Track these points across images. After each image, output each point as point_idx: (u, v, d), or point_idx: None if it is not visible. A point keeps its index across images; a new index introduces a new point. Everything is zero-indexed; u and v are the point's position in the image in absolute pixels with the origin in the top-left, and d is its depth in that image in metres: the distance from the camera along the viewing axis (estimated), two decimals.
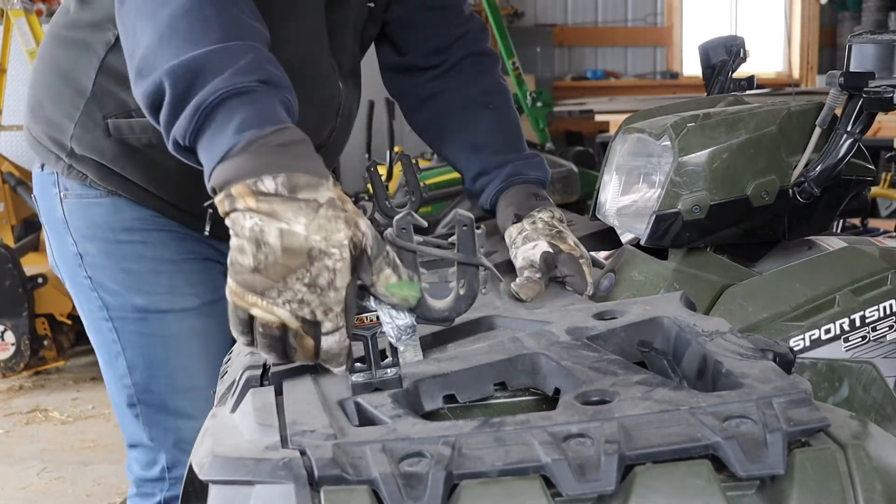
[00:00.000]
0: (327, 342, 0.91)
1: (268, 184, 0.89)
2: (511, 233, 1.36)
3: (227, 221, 0.92)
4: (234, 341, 1.48)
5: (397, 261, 0.93)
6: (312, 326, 0.90)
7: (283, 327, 0.90)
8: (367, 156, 6.93)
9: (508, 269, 1.32)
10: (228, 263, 0.91)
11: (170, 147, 1.03)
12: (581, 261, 1.26)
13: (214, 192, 0.94)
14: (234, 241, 0.91)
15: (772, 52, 10.10)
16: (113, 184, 1.49)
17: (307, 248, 0.88)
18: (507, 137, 1.52)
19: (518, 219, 1.36)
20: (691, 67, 9.78)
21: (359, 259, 0.91)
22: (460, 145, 1.54)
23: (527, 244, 1.31)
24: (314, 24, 1.43)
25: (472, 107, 1.55)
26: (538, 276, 1.24)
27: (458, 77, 1.59)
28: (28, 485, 3.37)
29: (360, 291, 0.90)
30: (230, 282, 0.91)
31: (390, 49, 1.66)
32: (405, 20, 1.61)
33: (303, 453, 0.72)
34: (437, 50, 1.60)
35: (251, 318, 0.91)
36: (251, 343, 0.92)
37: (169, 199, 1.52)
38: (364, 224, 0.92)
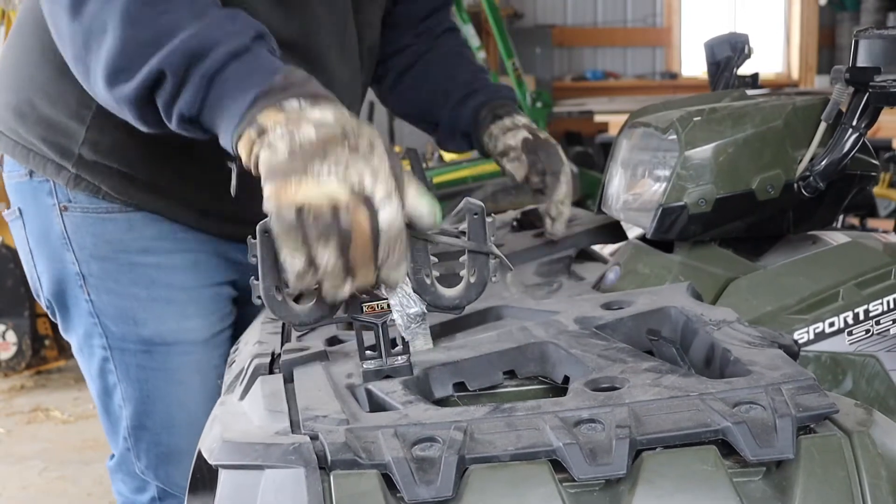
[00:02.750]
0: (384, 216, 0.83)
1: (292, 103, 0.90)
2: (491, 130, 1.41)
3: (257, 149, 0.89)
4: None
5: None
6: (363, 199, 0.83)
7: (335, 209, 0.82)
8: None
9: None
10: (262, 175, 0.88)
11: (172, 125, 1.02)
12: (557, 147, 1.37)
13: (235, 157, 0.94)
14: (265, 153, 0.88)
15: (771, 53, 10.11)
16: (134, 196, 1.35)
17: (341, 128, 0.87)
18: (477, 72, 1.56)
19: (499, 118, 1.41)
20: (691, 68, 9.79)
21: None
22: (438, 91, 1.55)
23: (507, 134, 1.38)
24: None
25: (449, 56, 1.59)
26: (522, 157, 1.34)
27: (437, 40, 1.62)
28: (29, 484, 3.37)
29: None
30: (266, 189, 0.86)
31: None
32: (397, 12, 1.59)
33: (315, 438, 0.72)
34: (422, 21, 1.61)
35: (299, 215, 0.83)
36: (307, 254, 0.83)
37: (201, 204, 1.39)
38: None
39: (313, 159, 0.85)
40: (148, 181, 1.35)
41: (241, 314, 1.55)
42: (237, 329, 1.54)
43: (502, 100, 1.49)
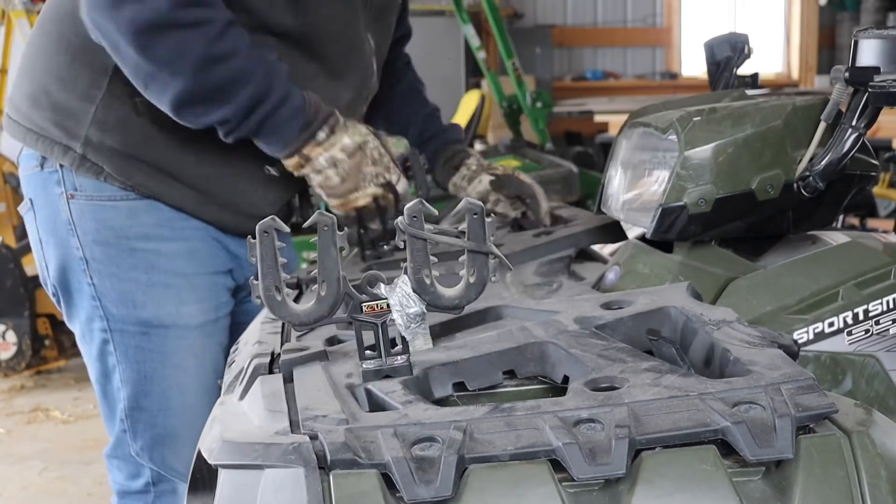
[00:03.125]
0: (401, 187, 1.44)
1: (320, 135, 1.39)
2: (455, 181, 1.72)
3: (307, 170, 1.40)
4: (225, 362, 1.55)
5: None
6: (388, 186, 1.42)
7: (377, 199, 1.42)
8: None
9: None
10: (323, 191, 1.42)
11: (224, 139, 1.38)
12: (515, 175, 1.66)
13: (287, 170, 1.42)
14: (318, 178, 1.41)
15: (771, 53, 10.11)
16: (134, 177, 1.43)
17: (355, 146, 1.40)
18: (429, 117, 1.84)
19: (456, 169, 1.72)
20: (691, 68, 9.78)
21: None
22: (397, 124, 1.82)
23: (472, 183, 1.69)
24: (350, 4, 1.52)
25: (406, 92, 1.87)
26: (499, 198, 1.64)
27: (398, 71, 1.86)
28: (29, 484, 3.37)
29: (374, 281, 0.90)
30: (332, 202, 1.43)
31: None
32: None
33: (315, 438, 0.72)
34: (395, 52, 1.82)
35: (357, 211, 1.43)
36: (359, 228, 1.46)
37: (196, 185, 1.48)
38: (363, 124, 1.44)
39: (360, 179, 1.41)
40: (149, 161, 1.44)
41: (238, 305, 1.63)
42: (234, 319, 1.62)
43: (451, 144, 1.78)
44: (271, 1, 1.41)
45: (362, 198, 1.41)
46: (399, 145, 1.47)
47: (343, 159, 1.38)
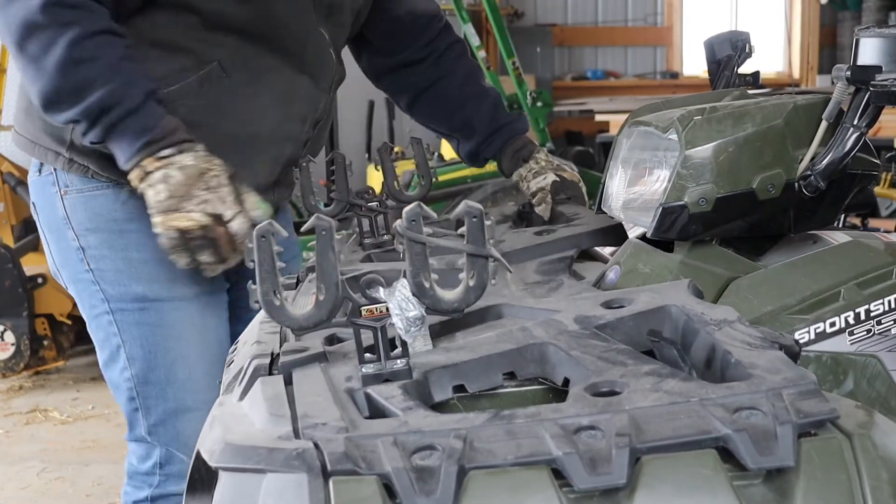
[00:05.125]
0: (234, 226, 1.36)
1: (165, 151, 1.37)
2: (521, 172, 1.77)
3: (144, 185, 1.38)
4: (232, 339, 1.58)
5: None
6: (219, 219, 1.36)
7: (202, 228, 1.35)
8: (366, 155, 6.95)
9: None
10: (150, 208, 1.38)
11: (79, 134, 1.43)
12: (580, 184, 1.72)
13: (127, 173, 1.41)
14: (150, 193, 1.37)
15: (772, 52, 10.10)
16: (115, 172, 1.50)
17: (198, 169, 1.36)
18: (495, 106, 1.87)
19: (525, 161, 1.77)
20: (691, 67, 9.78)
21: (231, 179, 1.39)
22: (463, 120, 1.86)
23: (538, 178, 1.72)
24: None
25: (465, 86, 1.87)
26: (549, 198, 1.66)
27: (448, 63, 1.88)
28: (28, 485, 3.37)
29: (373, 284, 0.90)
30: (155, 219, 1.37)
31: (377, 54, 1.88)
32: (394, 20, 1.83)
33: (315, 446, 0.72)
34: (428, 42, 1.86)
35: (180, 234, 1.35)
36: (188, 256, 1.37)
37: None
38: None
39: (184, 200, 1.35)
40: None
41: (235, 284, 1.69)
42: (231, 297, 1.70)
43: (520, 135, 1.83)
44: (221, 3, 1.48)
45: (183, 219, 1.35)
46: (261, 205, 1.40)
47: (175, 176, 1.36)
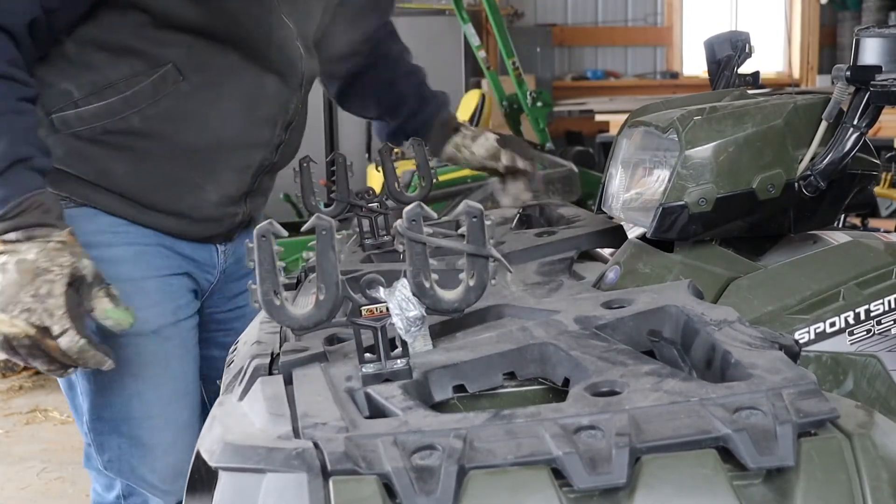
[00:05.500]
0: (63, 343, 1.18)
1: (11, 235, 1.20)
2: (456, 141, 1.77)
3: None
4: (193, 365, 1.59)
5: (115, 292, 1.24)
6: (46, 332, 1.18)
7: (27, 337, 1.17)
8: (366, 155, 6.95)
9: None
10: None
11: None
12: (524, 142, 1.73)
13: None
14: None
15: (772, 52, 10.10)
16: (66, 188, 1.40)
17: (34, 268, 1.17)
18: (423, 82, 1.87)
19: (457, 130, 1.77)
20: (691, 67, 9.78)
21: (80, 281, 1.20)
22: (393, 99, 1.84)
23: (478, 140, 1.73)
24: None
25: (397, 65, 1.86)
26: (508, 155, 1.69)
27: (382, 46, 1.85)
28: (28, 485, 3.37)
29: (373, 284, 0.90)
30: None
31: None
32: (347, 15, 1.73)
33: (315, 446, 0.72)
34: (366, 39, 1.80)
35: (4, 338, 1.18)
36: (22, 360, 1.21)
37: (130, 194, 1.44)
38: (87, 260, 1.22)
39: (10, 302, 1.17)
40: (77, 174, 1.41)
41: (203, 306, 1.60)
42: (201, 320, 1.60)
43: (446, 107, 1.83)
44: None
45: (6, 324, 1.17)
46: (125, 315, 1.25)
47: (10, 271, 1.18)
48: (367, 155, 6.93)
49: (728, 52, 1.52)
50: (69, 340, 1.18)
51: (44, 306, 1.17)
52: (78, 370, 1.42)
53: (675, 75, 9.74)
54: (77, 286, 1.21)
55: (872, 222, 4.92)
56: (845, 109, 1.22)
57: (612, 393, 0.78)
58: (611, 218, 1.43)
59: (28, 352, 1.18)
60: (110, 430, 1.49)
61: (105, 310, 1.23)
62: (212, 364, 1.61)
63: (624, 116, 1.42)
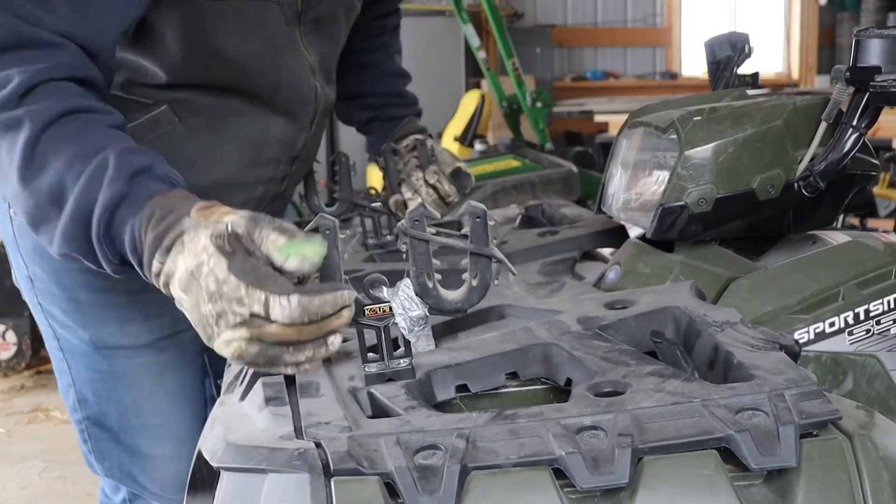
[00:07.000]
0: (275, 313, 0.86)
1: (155, 265, 0.96)
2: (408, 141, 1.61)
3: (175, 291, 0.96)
4: (194, 376, 1.49)
5: (285, 224, 0.92)
6: (256, 321, 0.87)
7: (249, 341, 0.87)
8: (367, 156, 6.93)
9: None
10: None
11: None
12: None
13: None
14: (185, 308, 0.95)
15: (771, 53, 10.10)
16: None
17: (188, 276, 0.91)
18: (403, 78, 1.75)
19: (422, 132, 1.63)
20: (691, 68, 9.78)
21: (234, 244, 0.90)
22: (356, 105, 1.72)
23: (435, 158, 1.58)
24: (268, 27, 1.30)
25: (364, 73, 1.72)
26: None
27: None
28: (29, 484, 3.37)
29: (376, 284, 0.90)
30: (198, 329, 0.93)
31: None
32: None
33: (318, 445, 0.72)
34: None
35: (240, 358, 0.89)
36: (280, 368, 0.90)
37: None
38: (229, 216, 0.93)
39: (201, 324, 0.91)
40: None
41: None
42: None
43: (397, 122, 1.67)
44: (157, 57, 1.24)
45: (221, 346, 0.89)
46: (309, 245, 0.89)
47: (180, 299, 0.94)
48: (367, 155, 6.91)
49: (727, 53, 1.52)
50: (279, 307, 0.86)
51: (225, 300, 0.88)
52: (74, 383, 1.43)
53: (674, 76, 9.73)
54: (244, 246, 0.91)
55: (871, 222, 4.92)
56: (844, 110, 1.22)
57: (615, 393, 0.79)
58: (611, 218, 1.44)
59: (266, 357, 0.88)
60: (109, 438, 1.48)
61: (280, 248, 0.90)
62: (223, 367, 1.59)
63: (623, 117, 1.42)
